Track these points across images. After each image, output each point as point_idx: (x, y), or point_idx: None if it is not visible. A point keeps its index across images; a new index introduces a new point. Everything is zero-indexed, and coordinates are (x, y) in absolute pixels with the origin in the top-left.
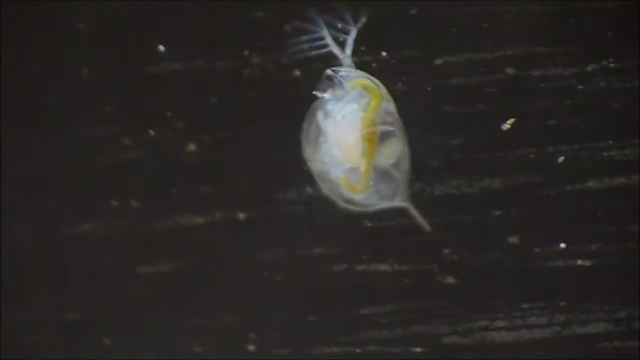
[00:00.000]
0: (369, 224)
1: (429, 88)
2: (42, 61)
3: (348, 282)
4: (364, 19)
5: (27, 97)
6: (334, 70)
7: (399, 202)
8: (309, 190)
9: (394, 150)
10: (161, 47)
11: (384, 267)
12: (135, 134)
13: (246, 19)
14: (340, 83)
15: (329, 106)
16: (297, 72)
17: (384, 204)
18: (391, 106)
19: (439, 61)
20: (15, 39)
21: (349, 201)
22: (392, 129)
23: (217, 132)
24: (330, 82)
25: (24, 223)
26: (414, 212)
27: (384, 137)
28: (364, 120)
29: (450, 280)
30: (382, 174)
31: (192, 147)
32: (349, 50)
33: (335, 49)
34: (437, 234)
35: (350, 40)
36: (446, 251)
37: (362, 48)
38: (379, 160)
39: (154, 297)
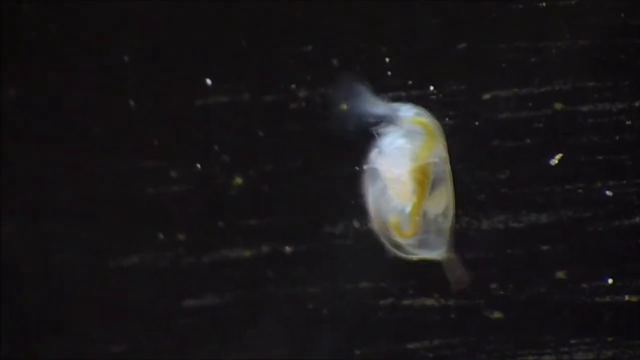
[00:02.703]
0: (415, 258)
1: (476, 122)
2: (90, 93)
3: (394, 317)
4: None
5: (74, 129)
6: (394, 106)
7: (445, 254)
8: (356, 224)
9: (443, 198)
10: (208, 81)
11: (430, 302)
12: (182, 167)
13: (293, 53)
14: (399, 118)
15: (384, 140)
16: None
17: (429, 255)
18: (444, 152)
19: (486, 96)
20: (64, 71)
21: (397, 246)
22: (443, 169)
23: (264, 165)
24: (390, 117)
25: (71, 255)
26: (458, 263)
27: (435, 184)
28: (415, 158)
29: (497, 315)
30: (430, 224)
31: (238, 180)
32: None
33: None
34: (484, 268)
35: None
36: (493, 286)
37: (410, 82)
38: (428, 206)
39: (200, 330)
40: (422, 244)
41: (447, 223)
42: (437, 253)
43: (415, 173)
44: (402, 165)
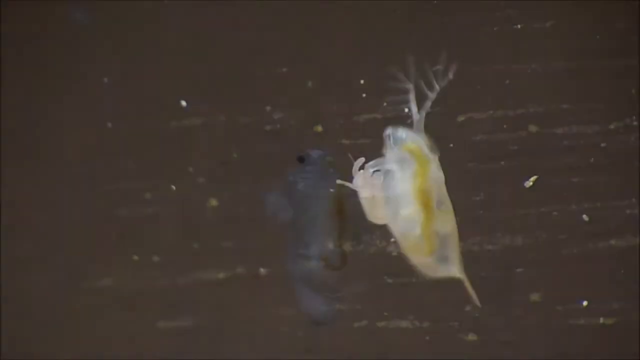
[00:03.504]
0: (389, 280)
1: (451, 145)
2: (66, 115)
3: (369, 339)
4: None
5: (49, 151)
6: (392, 130)
7: (455, 272)
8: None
9: (448, 218)
10: (183, 102)
11: (404, 324)
12: (157, 189)
13: (268, 75)
14: (393, 144)
15: (370, 162)
16: (319, 128)
17: (450, 272)
18: (440, 174)
19: (461, 118)
20: (40, 92)
21: (422, 265)
22: (442, 191)
23: (238, 187)
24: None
25: (44, 277)
26: (468, 284)
27: (438, 204)
28: (414, 185)
29: (471, 337)
30: (443, 241)
31: (213, 202)
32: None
33: (413, 107)
34: (459, 290)
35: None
36: (468, 308)
37: (385, 104)
38: (437, 226)
39: (175, 352)
40: (442, 260)
41: (456, 241)
42: (455, 269)
43: (418, 196)
44: (378, 187)
